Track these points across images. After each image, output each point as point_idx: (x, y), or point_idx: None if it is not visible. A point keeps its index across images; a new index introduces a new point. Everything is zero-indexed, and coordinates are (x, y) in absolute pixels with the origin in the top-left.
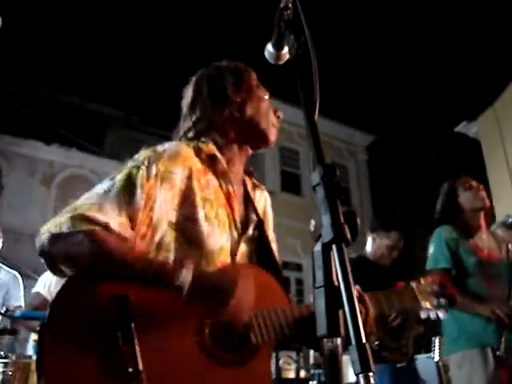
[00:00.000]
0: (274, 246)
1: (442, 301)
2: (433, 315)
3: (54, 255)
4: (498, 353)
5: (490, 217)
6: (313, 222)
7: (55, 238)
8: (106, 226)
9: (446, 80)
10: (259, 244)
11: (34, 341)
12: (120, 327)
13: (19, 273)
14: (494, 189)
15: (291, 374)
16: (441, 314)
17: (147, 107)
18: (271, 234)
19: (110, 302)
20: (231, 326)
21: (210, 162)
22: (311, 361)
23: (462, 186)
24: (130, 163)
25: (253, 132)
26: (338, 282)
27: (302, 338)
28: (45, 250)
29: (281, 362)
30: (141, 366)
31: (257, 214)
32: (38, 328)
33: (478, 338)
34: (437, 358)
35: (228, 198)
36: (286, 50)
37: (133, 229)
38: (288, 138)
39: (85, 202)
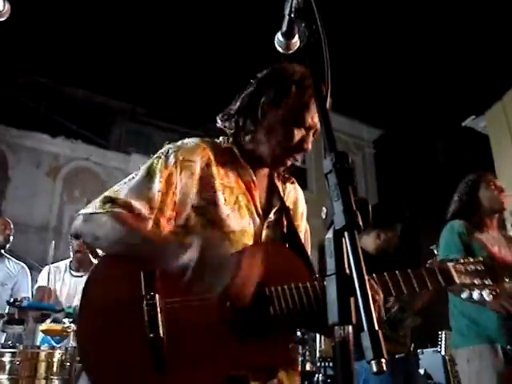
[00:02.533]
0: (303, 235)
1: (489, 282)
2: (476, 296)
3: (85, 235)
4: (508, 347)
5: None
6: (324, 210)
7: (85, 219)
8: (128, 205)
9: (454, 74)
10: (285, 230)
11: (42, 331)
12: (146, 298)
13: (24, 263)
14: (502, 184)
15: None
16: (486, 296)
17: (153, 100)
18: (303, 224)
19: (137, 277)
20: (237, 300)
21: (228, 155)
22: (317, 354)
23: (484, 184)
24: (155, 155)
25: (251, 151)
26: (350, 270)
27: (318, 320)
28: (78, 231)
29: None
30: (162, 332)
31: (281, 202)
32: (43, 318)
33: (487, 333)
34: (443, 352)
35: (248, 187)
36: (296, 39)
37: (152, 207)
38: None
39: (113, 188)
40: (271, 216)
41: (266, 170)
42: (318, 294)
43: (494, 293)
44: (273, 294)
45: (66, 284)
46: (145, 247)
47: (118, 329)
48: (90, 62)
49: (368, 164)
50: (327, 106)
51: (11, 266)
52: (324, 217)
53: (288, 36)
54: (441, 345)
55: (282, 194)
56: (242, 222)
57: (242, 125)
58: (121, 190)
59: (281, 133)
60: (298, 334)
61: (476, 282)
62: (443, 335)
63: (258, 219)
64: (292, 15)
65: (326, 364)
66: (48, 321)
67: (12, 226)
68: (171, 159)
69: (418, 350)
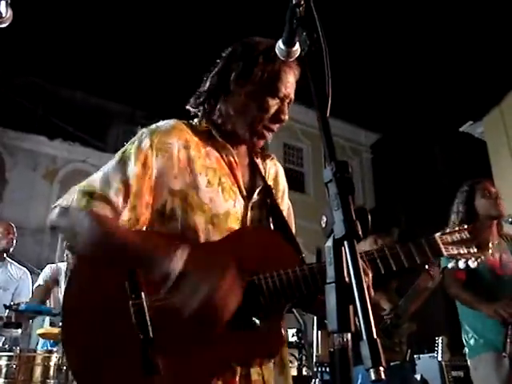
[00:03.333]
0: (285, 212)
1: (474, 250)
2: (462, 265)
3: (61, 229)
4: (503, 354)
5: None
6: (324, 218)
7: (62, 212)
8: (104, 198)
9: (452, 79)
10: (269, 210)
11: (39, 335)
12: (131, 298)
13: (24, 267)
14: (500, 189)
15: (293, 372)
16: (471, 263)
17: (152, 102)
18: (283, 203)
19: (122, 274)
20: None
21: (207, 136)
22: (314, 359)
23: (480, 192)
24: (129, 141)
25: (229, 129)
26: (349, 278)
27: (310, 301)
28: (54, 224)
29: None
30: (151, 333)
31: (264, 181)
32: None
33: (492, 342)
34: (440, 358)
35: (230, 167)
36: (297, 47)
37: (128, 193)
38: (291, 136)
39: (90, 178)
40: (255, 196)
41: (245, 149)
42: (308, 277)
43: (479, 260)
44: (262, 283)
45: (62, 287)
46: (124, 254)
47: (103, 330)
48: (87, 64)
49: (365, 168)
50: (327, 114)
51: (13, 271)
52: (324, 225)
53: (289, 44)
54: (437, 350)
55: (263, 172)
56: (225, 204)
57: (214, 105)
58: (97, 178)
59: (255, 106)
60: (295, 339)
61: (462, 251)
62: (440, 341)
63: (242, 200)
64: (293, 23)
65: (323, 369)
66: (46, 323)
67: (15, 230)
68: (146, 142)
69: (415, 356)
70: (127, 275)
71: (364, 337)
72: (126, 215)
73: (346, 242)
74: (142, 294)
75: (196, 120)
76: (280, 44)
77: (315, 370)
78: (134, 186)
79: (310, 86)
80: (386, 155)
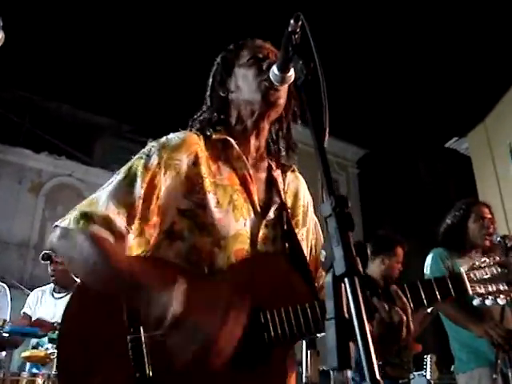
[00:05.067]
0: (311, 229)
1: (505, 287)
2: (489, 302)
3: (60, 253)
4: (494, 376)
5: None
6: (323, 252)
7: (62, 234)
8: (107, 222)
9: (437, 96)
10: (284, 230)
11: (24, 358)
12: (129, 332)
13: (4, 283)
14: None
15: None
16: (500, 301)
17: (139, 116)
18: (309, 217)
19: (120, 306)
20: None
21: (222, 147)
22: (304, 379)
23: (475, 215)
24: (136, 156)
25: (243, 107)
26: (349, 314)
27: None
28: (54, 246)
29: None
30: (148, 371)
31: (280, 197)
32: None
33: (485, 356)
34: (429, 376)
35: (244, 182)
36: (291, 72)
37: (133, 216)
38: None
39: (92, 197)
40: (270, 214)
41: (263, 162)
42: (318, 317)
43: (508, 298)
44: (268, 320)
45: (47, 307)
46: (119, 285)
47: (99, 365)
48: (74, 78)
49: (351, 183)
50: (325, 146)
51: None
52: (323, 259)
53: (283, 69)
54: (426, 369)
55: (281, 186)
56: (236, 224)
57: (218, 112)
58: (99, 198)
59: (247, 72)
60: None
61: (491, 289)
62: (428, 359)
63: (254, 217)
64: (289, 51)
65: None
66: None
67: None
68: (154, 159)
69: None
70: (126, 306)
71: (367, 378)
72: (130, 239)
73: (346, 279)
74: (141, 328)
75: (217, 128)
76: (274, 70)
77: None
78: (141, 208)
79: (307, 116)
80: (372, 170)
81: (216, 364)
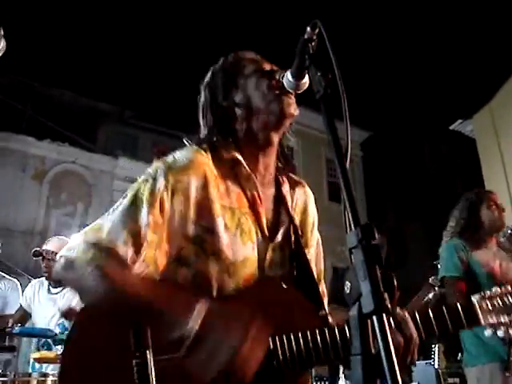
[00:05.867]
0: (314, 250)
1: None
2: (501, 334)
3: (68, 283)
4: (507, 374)
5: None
6: (348, 284)
7: (67, 265)
8: (112, 252)
9: (443, 78)
10: (292, 251)
11: (35, 359)
12: (135, 356)
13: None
14: (489, 188)
15: None
16: None
17: (142, 102)
18: (312, 237)
19: (126, 329)
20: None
21: (231, 167)
22: (313, 373)
23: (485, 203)
24: (141, 177)
25: (255, 119)
26: (376, 351)
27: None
28: (60, 278)
29: None
30: None
31: (289, 217)
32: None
33: (497, 351)
34: (436, 365)
35: (253, 203)
36: (305, 79)
37: (140, 245)
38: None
39: (96, 224)
40: (278, 237)
41: (272, 174)
42: (327, 341)
43: None
44: (277, 347)
45: (44, 304)
46: (134, 311)
47: None
48: (77, 64)
49: (355, 166)
50: (347, 169)
51: (3, 285)
52: (347, 291)
53: (298, 77)
54: (434, 358)
55: (290, 204)
56: (244, 249)
57: (217, 123)
58: (104, 226)
59: (256, 83)
60: None
61: (503, 320)
62: (436, 348)
63: (262, 241)
64: (305, 59)
65: (322, 383)
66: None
67: None
68: (160, 183)
69: None
70: (133, 329)
71: None
72: (137, 268)
73: (375, 317)
74: (147, 352)
75: (223, 144)
76: (288, 76)
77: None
78: (149, 236)
79: (328, 139)
80: (376, 153)
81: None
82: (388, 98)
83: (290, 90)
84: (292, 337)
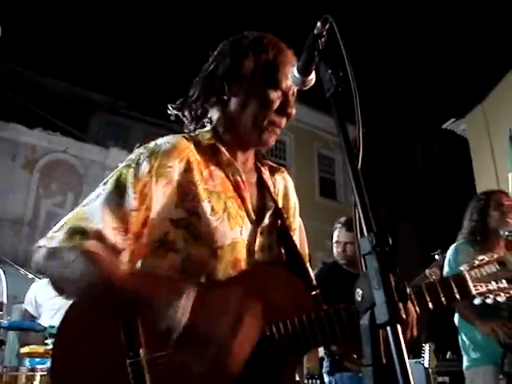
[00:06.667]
0: (297, 233)
1: (504, 285)
2: (490, 301)
3: (49, 274)
4: (500, 376)
5: None
6: (359, 292)
7: (50, 254)
8: (100, 236)
9: (436, 77)
10: (280, 233)
11: (23, 354)
12: (128, 355)
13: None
14: (480, 187)
15: None
16: (500, 299)
17: (133, 92)
18: (295, 221)
19: (117, 326)
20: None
21: (212, 152)
22: (304, 370)
23: (494, 204)
24: (122, 163)
25: (236, 131)
26: (389, 362)
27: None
28: (40, 268)
29: None
30: None
31: (274, 202)
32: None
33: (491, 353)
34: (427, 364)
35: (237, 188)
36: (312, 75)
37: (127, 230)
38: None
39: (78, 210)
40: (265, 221)
41: (252, 163)
42: (324, 323)
43: (507, 295)
44: (274, 334)
45: (47, 309)
46: (122, 301)
47: None
48: (69, 53)
49: (347, 163)
50: (359, 172)
51: None
52: (359, 299)
53: (305, 73)
54: (424, 357)
55: (272, 189)
56: (232, 233)
57: (207, 110)
58: (89, 212)
59: (256, 102)
60: None
61: (491, 287)
62: (427, 347)
63: (250, 225)
64: (314, 55)
65: (314, 381)
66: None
67: None
68: (144, 167)
69: None
70: (123, 326)
71: None
72: (125, 255)
73: (388, 327)
74: (141, 350)
75: (198, 132)
76: (295, 72)
77: (306, 382)
78: (133, 221)
79: (338, 136)
80: (368, 150)
81: (231, 375)
82: (381, 96)
83: (296, 87)
84: (289, 323)
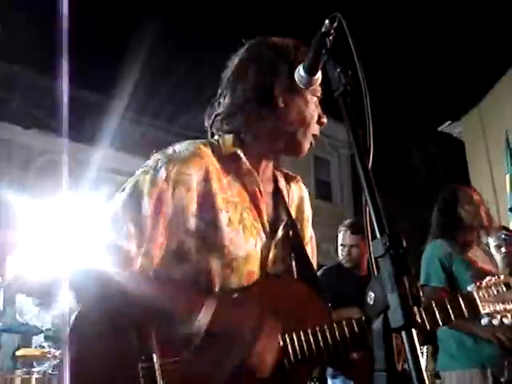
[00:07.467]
0: (310, 246)
1: (510, 306)
2: (496, 322)
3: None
4: (502, 379)
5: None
6: (372, 294)
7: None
8: (115, 247)
9: (432, 79)
10: (293, 246)
11: (19, 357)
12: (141, 360)
13: None
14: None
15: None
16: (506, 320)
17: (130, 93)
18: (308, 230)
19: (130, 332)
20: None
21: (232, 160)
22: None
23: (464, 199)
24: (140, 170)
25: (287, 141)
26: (403, 368)
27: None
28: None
29: None
30: None
31: (288, 213)
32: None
33: (478, 357)
34: (424, 367)
35: (254, 198)
36: (318, 75)
37: (142, 238)
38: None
39: (101, 225)
40: (279, 233)
41: (270, 172)
42: (336, 336)
43: None
44: (287, 345)
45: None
46: (140, 311)
47: None
48: (68, 53)
49: (343, 165)
50: (370, 172)
51: None
52: (371, 302)
53: (312, 72)
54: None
55: (286, 199)
56: (246, 245)
57: (247, 121)
58: (106, 219)
59: (309, 112)
60: None
61: (498, 308)
62: (425, 350)
63: (264, 237)
64: (322, 54)
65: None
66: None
67: None
68: (161, 174)
69: None
70: (136, 332)
71: None
72: (139, 262)
73: (404, 332)
74: (154, 355)
75: (217, 138)
76: (301, 71)
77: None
78: (149, 229)
79: (348, 135)
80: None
81: (259, 373)
82: (377, 98)
83: (302, 87)
84: (302, 334)
